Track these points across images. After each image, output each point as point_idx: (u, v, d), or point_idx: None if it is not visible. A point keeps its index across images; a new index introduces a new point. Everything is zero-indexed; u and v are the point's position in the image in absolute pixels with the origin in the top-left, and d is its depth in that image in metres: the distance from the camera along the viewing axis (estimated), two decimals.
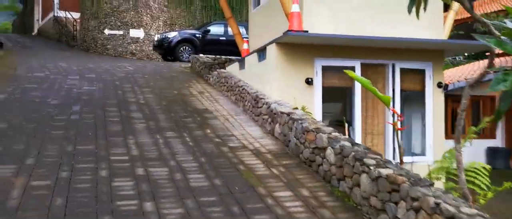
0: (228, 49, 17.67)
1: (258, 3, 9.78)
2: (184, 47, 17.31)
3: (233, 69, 9.52)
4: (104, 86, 9.23)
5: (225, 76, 9.18)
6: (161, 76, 11.04)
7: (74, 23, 24.15)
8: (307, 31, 6.52)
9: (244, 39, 10.20)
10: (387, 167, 4.00)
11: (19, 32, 35.57)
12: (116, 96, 8.35)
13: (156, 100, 8.26)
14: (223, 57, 12.49)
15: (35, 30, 31.11)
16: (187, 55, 17.20)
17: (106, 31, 20.09)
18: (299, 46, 7.04)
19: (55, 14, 26.17)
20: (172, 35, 17.41)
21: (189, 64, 13.63)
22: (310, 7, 6.95)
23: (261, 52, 7.63)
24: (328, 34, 6.68)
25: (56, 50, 19.35)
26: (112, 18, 20.13)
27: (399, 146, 4.23)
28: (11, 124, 6.10)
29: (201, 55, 12.89)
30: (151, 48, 19.32)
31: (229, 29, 18.28)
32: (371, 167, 4.06)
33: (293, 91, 6.97)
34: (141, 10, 20.19)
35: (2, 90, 8.13)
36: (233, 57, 13.70)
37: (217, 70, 9.95)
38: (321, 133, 5.04)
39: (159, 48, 17.68)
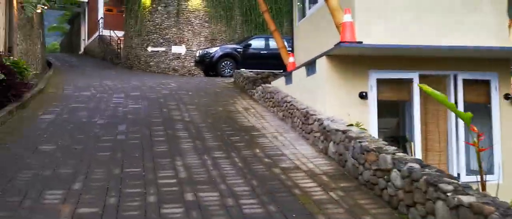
0: (270, 63, 17.39)
1: (304, 15, 9.46)
2: (225, 62, 17.21)
3: (278, 84, 9.20)
4: (149, 104, 9.14)
5: (271, 91, 8.86)
6: (205, 93, 10.88)
7: (118, 41, 24.73)
8: (361, 42, 6.10)
9: (289, 52, 9.87)
10: (467, 194, 3.52)
11: (66, 51, 36.96)
12: (161, 114, 8.20)
13: (201, 118, 8.04)
14: (266, 71, 12.21)
15: (82, 49, 32.17)
16: (228, 70, 17.10)
17: (149, 48, 20.37)
18: (352, 58, 6.63)
19: (100, 33, 26.93)
20: (214, 50, 17.36)
21: (232, 79, 13.45)
22: (362, 16, 6.53)
23: (310, 66, 7.27)
24: (385, 44, 6.23)
25: (101, 68, 19.78)
26: (155, 35, 20.40)
27: (480, 169, 3.73)
28: (59, 146, 6.02)
29: (244, 70, 12.68)
30: (193, 64, 19.37)
31: (270, 42, 18.14)
32: (448, 194, 3.58)
33: (346, 106, 6.55)
34: (182, 27, 20.36)
35: (51, 111, 8.17)
36: (276, 71, 13.48)
37: (262, 85, 9.66)
38: (384, 154, 4.59)
39: (201, 64, 17.68)
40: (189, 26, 20.43)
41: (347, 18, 6.12)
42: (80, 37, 32.81)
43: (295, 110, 7.35)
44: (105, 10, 27.84)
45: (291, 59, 9.25)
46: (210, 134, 6.95)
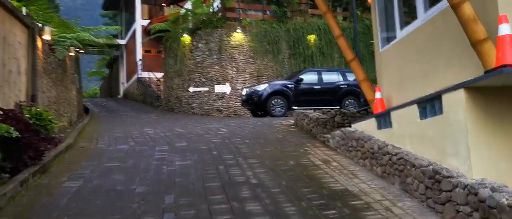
0: (324, 98, 15.49)
1: (389, 40, 7.43)
2: (276, 100, 15.37)
3: (366, 127, 7.08)
4: (200, 160, 7.21)
5: (358, 138, 6.76)
6: (264, 140, 8.88)
7: (158, 83, 23.48)
8: None
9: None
10: None
11: (106, 95, 36.40)
12: (218, 175, 6.23)
13: (272, 178, 6.01)
14: (332, 110, 10.14)
15: (121, 93, 31.31)
16: (279, 109, 15.25)
17: (191, 89, 18.82)
18: (501, 90, 4.49)
19: (139, 76, 25.88)
20: (262, 88, 15.61)
21: (291, 121, 11.45)
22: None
23: (428, 103, 5.16)
24: None
25: (141, 113, 18.33)
26: (196, 74, 18.89)
27: None
28: None
29: (309, 110, 10.66)
30: (239, 103, 17.64)
31: (324, 76, 16.18)
32: None
33: (500, 162, 4.36)
34: (226, 64, 18.78)
35: (78, 175, 6.36)
36: (333, 108, 11.53)
37: (342, 129, 7.57)
38: None
39: (248, 103, 15.94)
40: (233, 63, 18.82)
41: (504, 29, 4.03)
42: (119, 80, 32.07)
43: (408, 167, 5.20)
44: (143, 52, 26.94)
45: (378, 95, 7.16)
46: (292, 207, 4.88)
